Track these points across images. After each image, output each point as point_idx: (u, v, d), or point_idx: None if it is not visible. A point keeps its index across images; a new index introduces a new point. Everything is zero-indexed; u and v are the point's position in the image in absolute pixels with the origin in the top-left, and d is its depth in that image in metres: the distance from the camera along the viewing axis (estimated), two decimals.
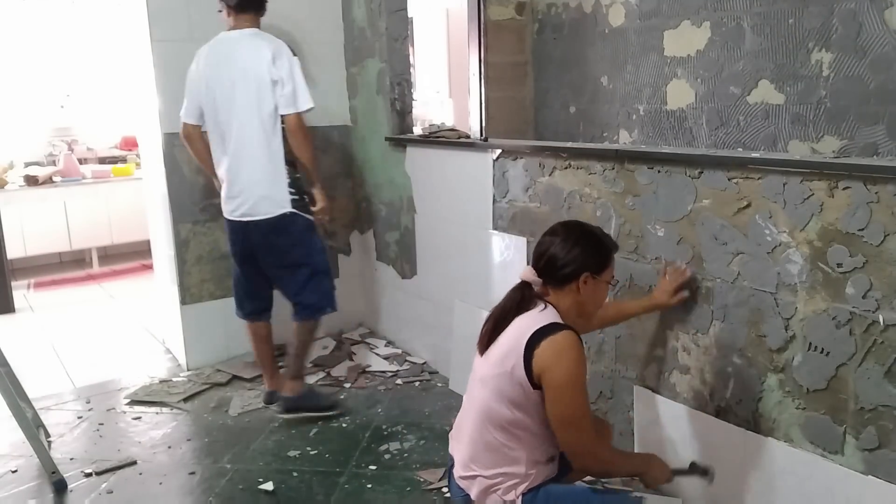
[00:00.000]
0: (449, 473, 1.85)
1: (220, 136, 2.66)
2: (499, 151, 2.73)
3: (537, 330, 1.60)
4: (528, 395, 1.61)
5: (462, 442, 1.77)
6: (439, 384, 3.17)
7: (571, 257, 1.69)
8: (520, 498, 1.66)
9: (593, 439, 1.65)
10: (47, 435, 2.76)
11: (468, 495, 1.72)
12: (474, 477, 1.70)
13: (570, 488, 1.78)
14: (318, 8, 3.55)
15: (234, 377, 3.28)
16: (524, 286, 1.73)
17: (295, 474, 2.47)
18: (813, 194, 1.70)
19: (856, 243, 1.63)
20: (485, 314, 2.88)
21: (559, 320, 1.64)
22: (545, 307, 1.68)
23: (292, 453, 2.61)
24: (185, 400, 3.05)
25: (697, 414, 2.09)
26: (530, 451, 1.67)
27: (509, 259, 2.75)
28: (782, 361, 1.83)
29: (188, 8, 3.19)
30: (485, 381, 1.68)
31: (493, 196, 2.78)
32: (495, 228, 2.80)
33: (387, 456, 2.57)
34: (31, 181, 5.37)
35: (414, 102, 3.52)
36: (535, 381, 1.59)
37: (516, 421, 1.64)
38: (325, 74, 3.62)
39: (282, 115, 2.62)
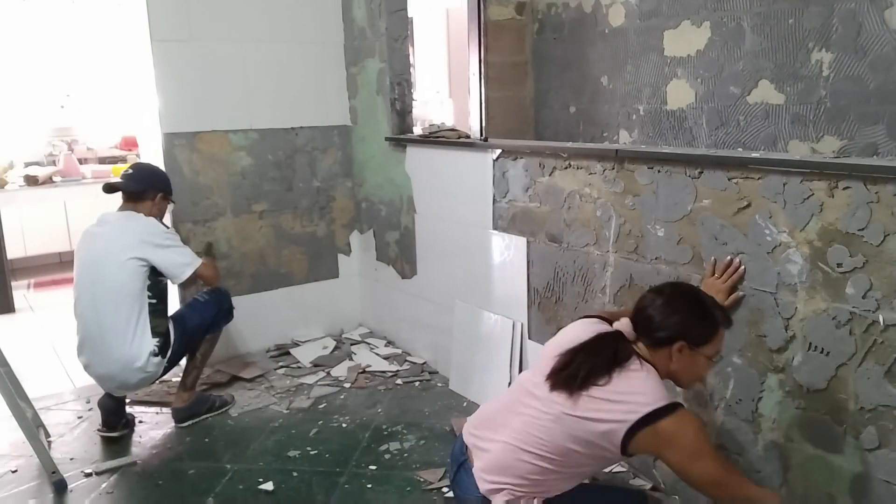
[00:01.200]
0: (460, 463, 1.80)
1: None
2: (499, 151, 2.73)
3: (647, 414, 1.52)
4: (608, 454, 1.60)
5: (495, 444, 1.72)
6: (439, 384, 3.17)
7: (670, 322, 1.62)
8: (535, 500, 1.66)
9: (740, 485, 1.57)
10: (47, 435, 2.76)
11: (485, 498, 1.69)
12: (501, 489, 1.67)
13: (576, 489, 1.75)
14: (318, 8, 3.55)
15: (234, 377, 3.28)
16: (619, 339, 1.66)
17: (295, 474, 2.46)
18: (813, 194, 1.70)
19: (856, 243, 1.63)
20: (486, 314, 2.90)
21: (663, 393, 1.57)
22: (642, 366, 1.60)
23: (292, 453, 2.61)
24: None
25: None
26: (566, 478, 1.68)
27: (509, 259, 2.75)
28: (782, 361, 1.83)
29: (188, 8, 3.19)
30: (562, 420, 1.60)
31: (493, 196, 2.78)
32: (495, 228, 2.80)
33: (387, 456, 2.57)
34: (31, 181, 5.36)
35: (414, 102, 3.52)
36: (626, 451, 1.56)
37: (571, 460, 1.62)
38: (325, 74, 3.62)
39: None
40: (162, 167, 3.26)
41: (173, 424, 2.85)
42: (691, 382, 1.74)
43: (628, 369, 1.60)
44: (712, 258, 1.96)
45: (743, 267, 1.89)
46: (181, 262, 2.72)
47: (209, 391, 3.08)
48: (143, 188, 2.78)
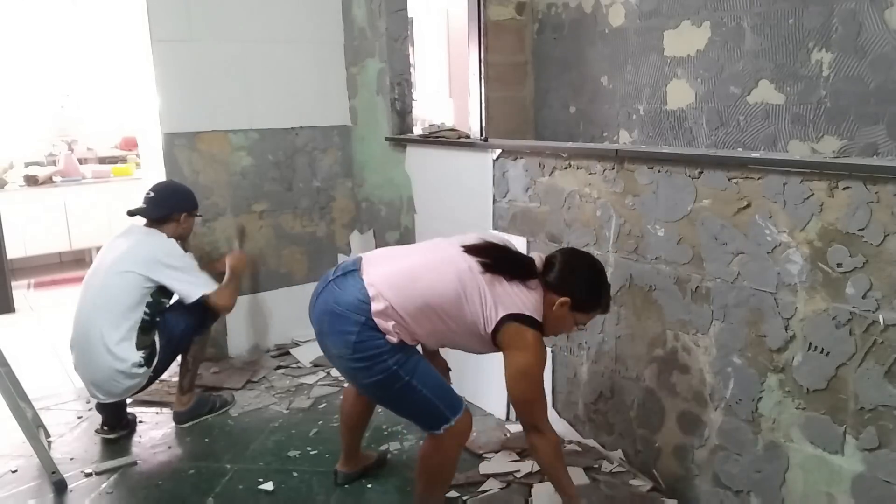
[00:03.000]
0: (349, 271, 1.92)
1: None
2: (499, 151, 2.73)
3: (522, 315, 1.82)
4: (478, 326, 1.84)
5: (397, 264, 1.91)
6: None
7: (568, 279, 1.88)
8: (397, 338, 1.82)
9: (541, 421, 1.86)
10: (47, 435, 2.76)
11: (365, 292, 1.82)
12: (385, 301, 1.82)
13: (427, 375, 1.90)
14: (318, 8, 3.55)
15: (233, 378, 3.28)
16: (533, 264, 1.91)
17: (295, 474, 2.46)
18: (813, 194, 1.70)
19: (856, 243, 1.63)
20: None
21: (538, 316, 1.85)
22: (537, 289, 1.88)
23: (292, 453, 2.61)
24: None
25: None
26: (429, 336, 1.90)
27: None
28: (782, 361, 1.83)
29: (188, 8, 3.19)
30: (464, 286, 1.84)
31: (493, 196, 2.78)
32: (495, 228, 2.80)
33: (387, 456, 2.57)
34: (31, 181, 5.37)
35: (414, 102, 3.52)
36: (495, 336, 1.84)
37: (451, 321, 1.85)
38: (325, 74, 3.62)
39: None
40: (162, 167, 3.27)
41: (173, 424, 2.85)
42: (553, 333, 1.96)
43: (527, 285, 1.87)
44: None
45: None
46: (193, 282, 2.70)
47: (208, 392, 3.08)
48: (166, 213, 2.78)
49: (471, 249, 1.89)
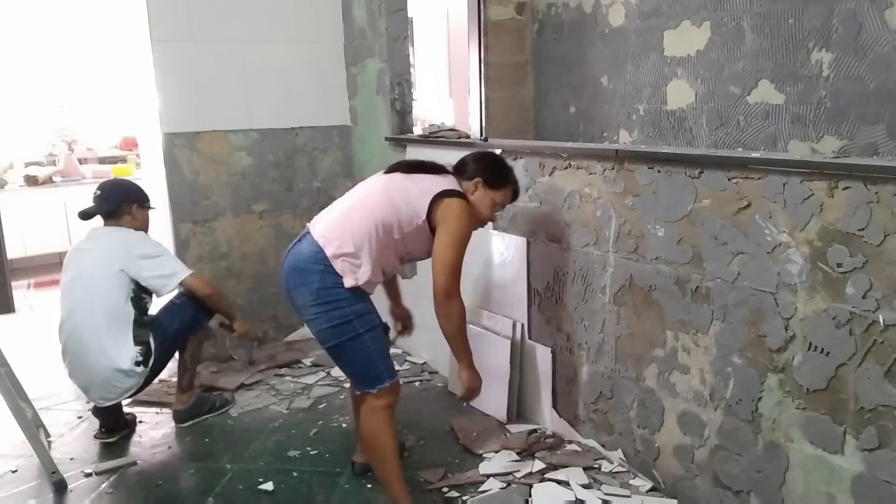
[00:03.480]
0: (300, 238, 2.11)
1: None
2: (499, 151, 2.72)
3: (448, 190, 2.08)
4: (417, 222, 2.05)
5: (330, 220, 2.08)
6: (439, 384, 3.17)
7: (476, 165, 2.20)
8: (353, 279, 1.99)
9: (457, 289, 2.07)
10: (47, 435, 2.76)
11: (317, 243, 2.01)
12: (331, 242, 2.01)
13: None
14: (318, 8, 3.55)
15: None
16: (443, 165, 2.21)
17: (295, 474, 2.46)
18: (813, 194, 1.70)
19: (856, 243, 1.63)
20: (485, 314, 2.91)
21: (458, 188, 2.13)
22: (450, 177, 2.16)
23: (292, 453, 2.61)
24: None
25: None
26: (382, 256, 2.06)
27: (509, 259, 2.75)
28: (782, 361, 1.83)
29: (188, 8, 3.19)
30: (390, 192, 2.08)
31: None
32: (495, 228, 2.80)
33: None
34: (31, 181, 5.37)
35: (414, 102, 3.52)
36: (429, 214, 2.04)
37: (393, 229, 2.04)
38: (325, 74, 3.62)
39: None
40: (162, 167, 3.27)
41: (173, 424, 2.85)
42: (478, 217, 2.18)
43: (444, 177, 2.16)
44: None
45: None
46: (163, 273, 2.67)
47: (208, 392, 3.08)
48: (115, 205, 2.75)
49: (390, 169, 2.20)
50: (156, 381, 3.25)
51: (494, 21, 3.86)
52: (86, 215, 2.77)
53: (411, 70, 3.55)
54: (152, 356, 2.65)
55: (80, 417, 2.95)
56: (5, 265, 4.51)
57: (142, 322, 2.64)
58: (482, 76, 2.88)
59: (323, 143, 3.68)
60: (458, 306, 2.10)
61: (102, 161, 6.07)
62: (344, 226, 2.04)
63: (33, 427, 2.48)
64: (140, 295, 2.67)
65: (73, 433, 2.81)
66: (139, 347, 2.60)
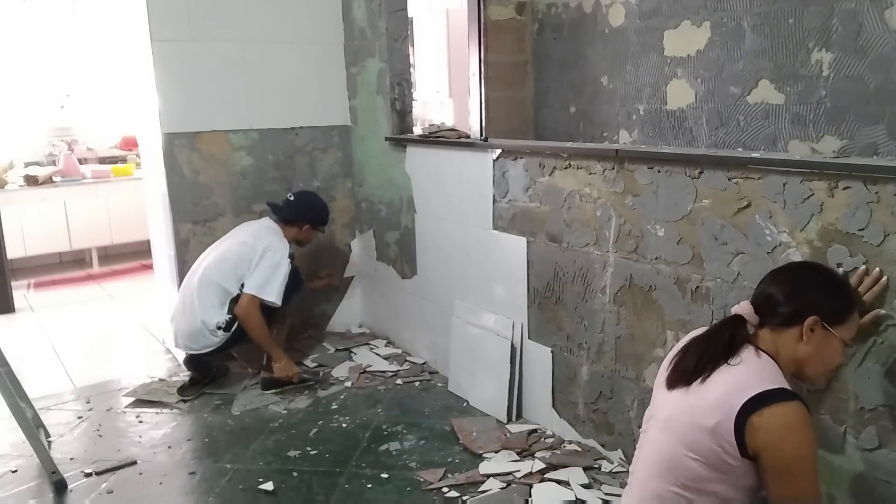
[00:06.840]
0: None
1: None
2: (499, 151, 2.73)
3: (761, 393, 1.33)
4: (730, 461, 1.36)
5: (633, 487, 1.57)
6: (439, 384, 3.17)
7: (800, 296, 1.44)
8: None
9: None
10: (47, 435, 2.76)
11: None
12: None
13: None
14: (318, 8, 3.55)
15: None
16: (736, 323, 1.47)
17: (295, 474, 2.47)
18: (813, 194, 1.70)
19: (856, 243, 1.63)
20: (485, 314, 2.90)
21: (784, 382, 1.37)
22: (761, 356, 1.42)
23: (292, 453, 2.61)
24: (185, 400, 3.05)
25: None
26: None
27: (509, 259, 2.75)
28: None
29: (188, 8, 3.19)
30: (670, 426, 1.44)
31: (493, 196, 2.78)
32: (495, 228, 2.80)
33: (387, 456, 2.57)
34: (31, 181, 5.37)
35: (414, 102, 3.52)
36: (746, 452, 1.34)
37: (705, 481, 1.38)
38: (326, 74, 3.62)
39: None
40: (162, 167, 3.27)
41: (173, 424, 2.85)
42: (821, 374, 1.51)
43: (742, 356, 1.42)
44: (861, 268, 1.60)
45: (885, 278, 1.55)
46: (259, 282, 2.99)
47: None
48: (294, 217, 3.20)
49: (671, 380, 1.54)
50: (156, 380, 3.28)
51: (494, 21, 3.86)
52: (271, 208, 3.25)
53: (411, 70, 3.55)
54: (235, 325, 3.02)
55: (80, 417, 2.95)
56: (5, 265, 4.55)
57: (237, 298, 3.01)
58: (482, 76, 2.87)
59: (323, 143, 3.68)
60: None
61: (102, 161, 6.07)
62: (645, 497, 1.52)
63: (33, 427, 2.48)
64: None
65: (73, 433, 2.81)
66: (229, 316, 3.00)
